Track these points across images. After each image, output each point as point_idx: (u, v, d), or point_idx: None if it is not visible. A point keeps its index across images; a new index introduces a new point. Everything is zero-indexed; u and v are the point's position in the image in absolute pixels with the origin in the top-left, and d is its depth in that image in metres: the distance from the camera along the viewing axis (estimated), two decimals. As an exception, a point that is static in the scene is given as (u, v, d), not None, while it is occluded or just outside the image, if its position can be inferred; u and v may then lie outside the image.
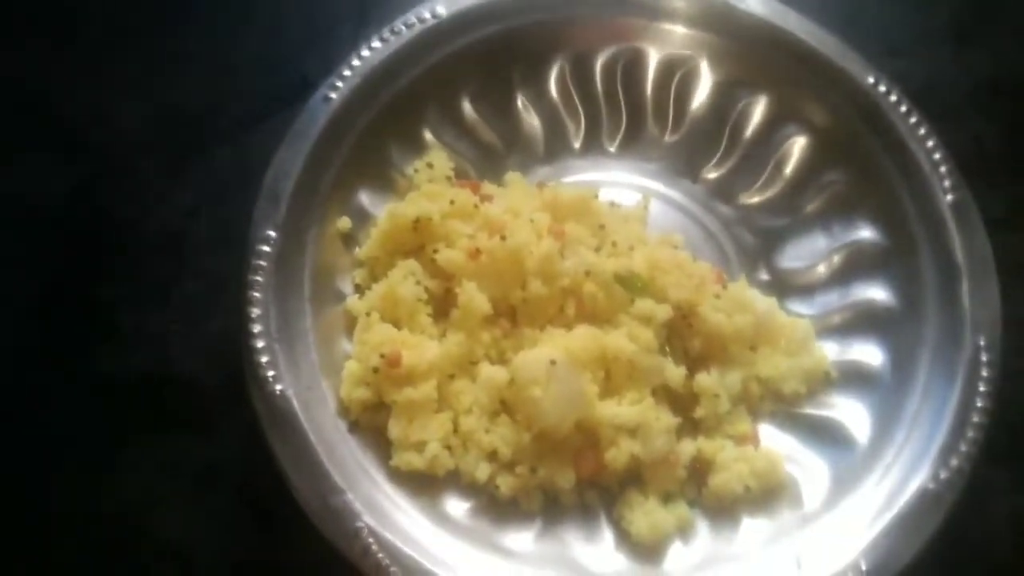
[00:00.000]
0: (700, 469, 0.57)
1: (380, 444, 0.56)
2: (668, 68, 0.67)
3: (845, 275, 0.63)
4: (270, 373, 0.55)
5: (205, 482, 0.60)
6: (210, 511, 0.59)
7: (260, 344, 0.56)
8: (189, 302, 0.65)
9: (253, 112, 0.72)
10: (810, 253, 0.64)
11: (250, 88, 0.73)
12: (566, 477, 0.55)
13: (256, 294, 0.57)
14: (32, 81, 0.73)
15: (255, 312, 0.57)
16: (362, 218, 0.63)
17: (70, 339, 0.65)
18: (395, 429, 0.55)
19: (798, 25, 0.65)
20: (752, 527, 0.56)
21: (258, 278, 0.58)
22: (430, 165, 0.64)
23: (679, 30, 0.66)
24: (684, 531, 0.56)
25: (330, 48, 0.73)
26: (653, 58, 0.67)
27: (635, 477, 0.56)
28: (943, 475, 0.54)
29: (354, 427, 0.56)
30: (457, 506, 0.56)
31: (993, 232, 0.61)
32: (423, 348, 0.56)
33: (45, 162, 0.70)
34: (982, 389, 0.56)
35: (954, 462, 0.54)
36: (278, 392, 0.55)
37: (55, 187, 0.69)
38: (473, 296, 0.57)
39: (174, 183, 0.69)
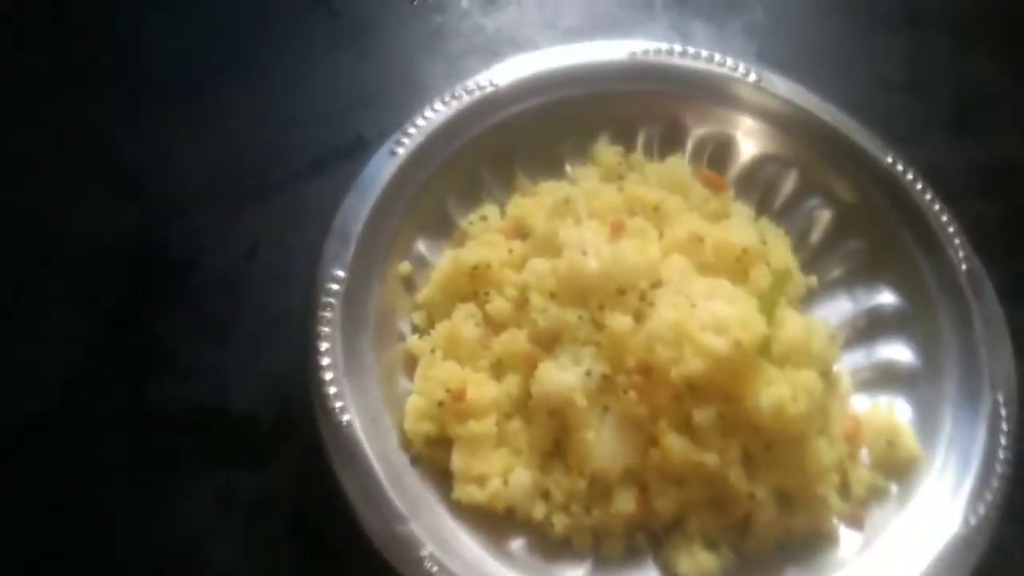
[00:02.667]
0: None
1: (440, 478, 0.58)
2: (704, 142, 0.72)
3: (869, 336, 0.67)
4: (337, 404, 0.57)
5: (259, 513, 0.61)
6: (264, 541, 0.60)
7: (328, 376, 0.58)
8: (245, 339, 0.67)
9: (309, 164, 0.76)
10: (836, 315, 0.68)
11: (306, 142, 0.77)
12: (617, 520, 0.58)
13: (324, 328, 0.60)
14: (99, 126, 0.77)
15: (323, 346, 0.59)
16: (420, 264, 0.66)
17: (130, 372, 0.66)
18: (458, 461, 0.57)
19: (820, 107, 0.72)
20: (789, 570, 0.59)
21: (326, 314, 0.60)
22: (484, 218, 0.68)
23: (715, 108, 0.72)
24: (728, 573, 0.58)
25: (382, 110, 0.78)
26: (692, 132, 0.72)
27: (681, 522, 0.59)
28: (973, 521, 0.57)
29: (416, 460, 0.58)
30: (514, 540, 0.57)
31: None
32: (484, 386, 0.59)
33: (110, 204, 0.73)
34: (1004, 443, 0.60)
35: (982, 509, 0.58)
36: (345, 423, 0.57)
37: (118, 227, 0.72)
38: (520, 343, 0.60)
39: (232, 227, 0.72)
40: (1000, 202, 0.78)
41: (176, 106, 0.78)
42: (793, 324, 0.59)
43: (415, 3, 0.85)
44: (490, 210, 0.69)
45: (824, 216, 0.70)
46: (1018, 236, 0.77)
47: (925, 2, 0.90)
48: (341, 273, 0.62)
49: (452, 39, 0.83)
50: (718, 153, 0.72)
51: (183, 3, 0.84)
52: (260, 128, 0.77)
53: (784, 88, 0.72)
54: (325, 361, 0.58)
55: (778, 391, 0.55)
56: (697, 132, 0.72)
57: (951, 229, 0.67)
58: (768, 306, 0.58)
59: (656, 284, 0.60)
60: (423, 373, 0.60)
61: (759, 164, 0.72)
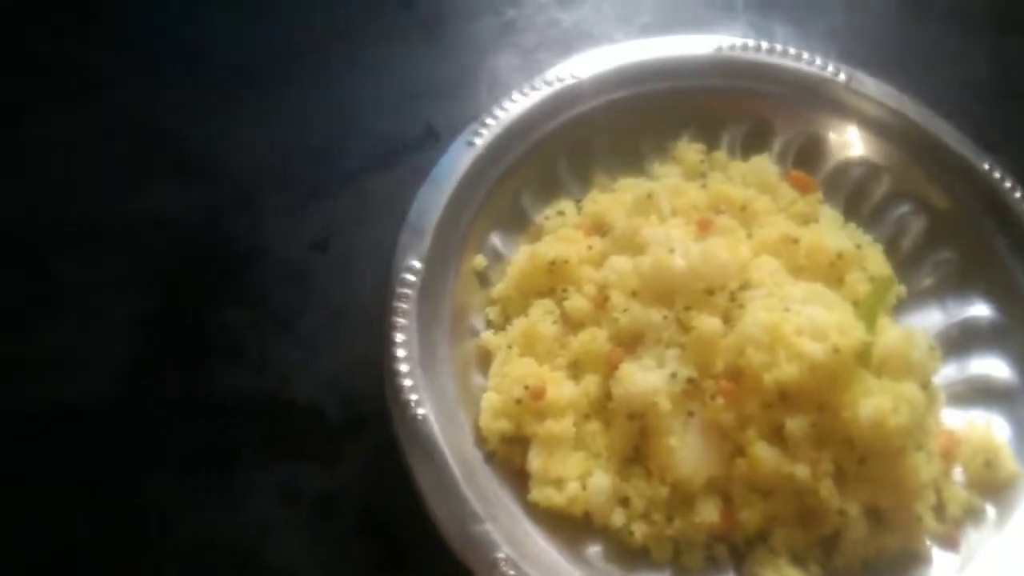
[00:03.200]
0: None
1: (515, 478, 0.56)
2: (790, 143, 0.70)
3: (962, 349, 0.64)
4: (412, 397, 0.55)
5: (326, 509, 0.59)
6: (331, 538, 0.58)
7: (403, 368, 0.56)
8: (313, 332, 0.66)
9: (379, 155, 0.74)
10: (927, 327, 0.65)
11: (377, 132, 0.75)
12: (699, 531, 0.55)
13: (401, 320, 0.58)
14: (165, 111, 0.76)
15: (399, 337, 0.57)
16: (495, 258, 0.64)
17: (193, 360, 0.65)
18: (535, 462, 0.55)
19: (914, 109, 0.69)
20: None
21: (403, 305, 0.58)
22: (561, 213, 0.66)
23: (804, 108, 0.70)
24: (814, 592, 0.55)
25: (454, 103, 0.77)
26: (778, 133, 0.70)
27: (765, 535, 0.56)
28: (1078, 548, 0.54)
29: (490, 458, 0.56)
30: (591, 546, 0.55)
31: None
32: (563, 385, 0.57)
33: (177, 190, 0.72)
34: (1112, 465, 0.57)
35: (1085, 536, 0.55)
36: (420, 416, 0.54)
37: (186, 214, 0.70)
38: (600, 343, 0.58)
39: (300, 217, 0.71)
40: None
41: (242, 93, 0.77)
42: (892, 333, 0.56)
43: (490, -6, 0.83)
44: (567, 205, 0.67)
45: (915, 223, 0.67)
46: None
47: (1013, 6, 0.87)
48: (417, 264, 0.60)
49: (526, 32, 0.81)
50: (805, 154, 0.69)
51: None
52: (329, 117, 0.76)
53: (875, 89, 0.69)
54: (401, 353, 0.56)
55: (878, 402, 0.52)
56: (784, 132, 0.70)
57: (1050, 240, 0.64)
58: (869, 313, 0.55)
59: (746, 285, 0.57)
60: (500, 369, 0.58)
61: (848, 167, 0.69)
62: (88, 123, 0.75)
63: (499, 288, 0.63)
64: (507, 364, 0.58)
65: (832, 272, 0.60)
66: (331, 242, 0.70)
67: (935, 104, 0.77)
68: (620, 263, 0.60)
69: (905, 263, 0.67)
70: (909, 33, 0.85)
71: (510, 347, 0.58)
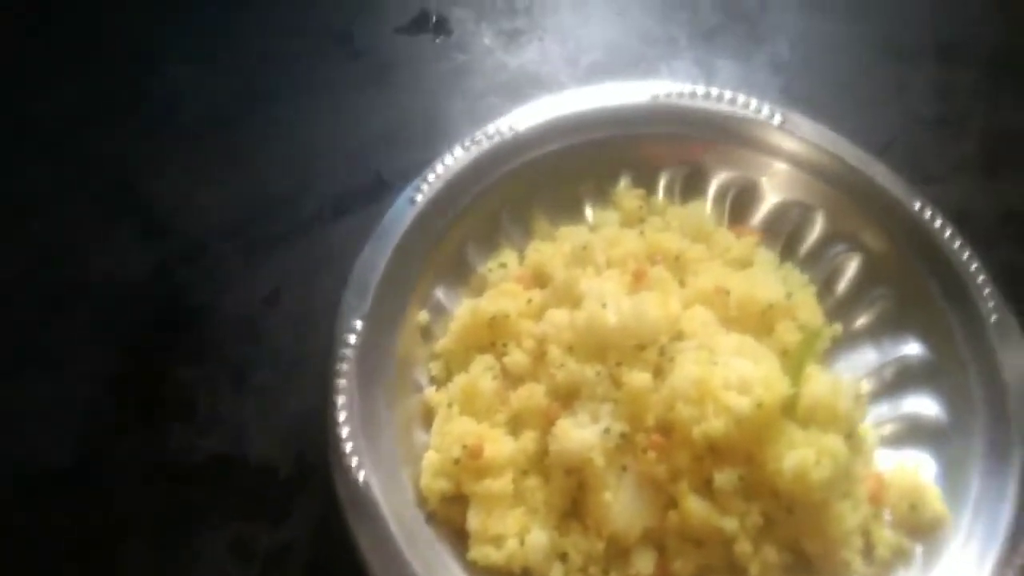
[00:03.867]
0: None
1: (455, 536, 0.57)
2: (727, 186, 0.71)
3: (895, 388, 0.65)
4: (354, 461, 0.57)
5: (276, 565, 0.61)
6: (280, 596, 0.60)
7: (344, 432, 0.58)
8: (264, 387, 0.68)
9: (331, 205, 0.76)
10: (861, 366, 0.67)
11: (328, 182, 0.77)
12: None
13: (342, 382, 0.59)
14: (120, 163, 0.77)
15: (340, 400, 0.59)
16: (438, 312, 0.66)
17: (144, 418, 0.66)
18: (474, 521, 0.56)
19: (847, 150, 0.71)
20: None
21: (344, 367, 0.60)
22: (503, 265, 0.67)
23: (739, 151, 0.71)
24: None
25: (403, 151, 0.78)
26: (715, 177, 0.71)
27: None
28: (1004, 582, 0.56)
29: (431, 518, 0.58)
30: (531, 601, 0.57)
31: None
32: (501, 442, 0.58)
33: (128, 242, 0.73)
34: (1034, 503, 0.59)
35: (1011, 573, 0.56)
36: (361, 481, 0.56)
37: (137, 267, 0.72)
38: (538, 399, 0.59)
39: (253, 269, 0.72)
40: (1033, 246, 0.76)
41: (197, 143, 0.78)
42: (819, 383, 0.57)
43: (437, 41, 0.85)
44: (509, 256, 0.68)
45: (851, 263, 0.69)
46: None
47: (954, 33, 0.88)
48: (359, 324, 0.61)
49: (474, 77, 0.83)
50: (741, 197, 0.71)
51: (206, 41, 0.84)
52: (281, 168, 0.77)
53: (810, 131, 0.71)
54: (342, 417, 0.58)
55: (802, 455, 0.53)
56: (720, 176, 0.71)
57: (981, 278, 0.65)
58: (795, 365, 0.56)
59: (678, 337, 0.59)
60: (440, 428, 0.60)
61: (784, 209, 0.70)
62: (46, 179, 0.76)
63: (442, 343, 0.64)
64: (447, 423, 0.60)
65: (763, 322, 0.62)
66: (282, 295, 0.71)
67: (878, 136, 0.79)
68: (558, 317, 0.61)
69: (841, 303, 0.68)
70: (853, 63, 0.86)
71: (450, 405, 0.60)
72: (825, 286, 0.69)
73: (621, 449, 0.56)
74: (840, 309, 0.68)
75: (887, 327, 0.67)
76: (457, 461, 0.57)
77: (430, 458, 0.58)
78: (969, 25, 0.88)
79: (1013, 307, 0.65)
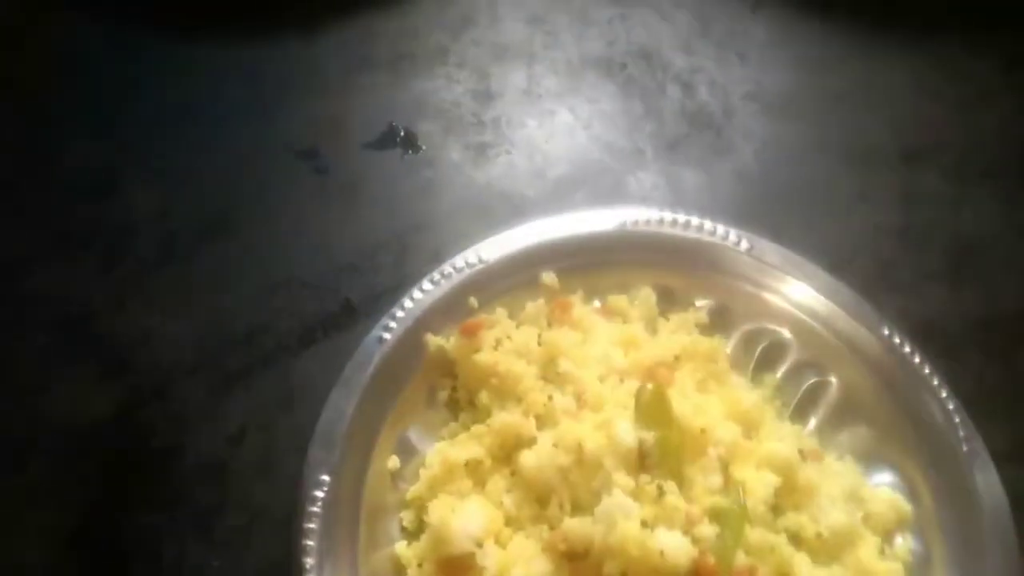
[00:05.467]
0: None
1: None
2: (698, 312, 0.71)
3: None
4: (324, 629, 0.55)
5: None
6: None
7: (313, 598, 0.56)
8: (231, 534, 0.66)
9: (297, 335, 0.74)
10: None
11: (294, 310, 0.75)
12: None
13: (309, 542, 0.58)
14: (77, 299, 0.75)
15: (308, 563, 0.57)
16: (409, 455, 0.65)
17: (108, 570, 0.64)
18: None
19: (815, 277, 0.71)
20: None
21: (311, 525, 0.59)
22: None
23: (708, 276, 0.71)
24: None
25: (371, 274, 0.77)
26: (685, 303, 0.71)
27: None
28: None
29: None
30: None
31: (1000, 467, 0.65)
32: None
33: (87, 383, 0.72)
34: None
35: None
36: (331, 650, 0.55)
37: (98, 410, 0.70)
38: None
39: (217, 407, 0.71)
40: (1001, 358, 0.77)
41: (156, 273, 0.77)
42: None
43: (405, 157, 0.84)
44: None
45: (824, 393, 0.69)
46: (1020, 395, 0.75)
47: (918, 137, 0.89)
48: (326, 479, 0.60)
49: (442, 195, 0.82)
50: (714, 321, 0.71)
51: (162, 163, 0.83)
52: (245, 296, 0.76)
53: (776, 256, 0.71)
54: (310, 578, 0.57)
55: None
56: (690, 301, 0.71)
57: (951, 406, 0.66)
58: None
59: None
60: (412, 590, 0.59)
61: (755, 335, 0.70)
62: (-1, 312, 0.75)
63: (413, 490, 0.63)
64: (419, 583, 0.58)
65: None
66: (248, 434, 0.70)
67: (844, 247, 0.80)
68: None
69: (816, 431, 0.68)
70: (818, 171, 0.86)
71: (420, 565, 0.59)
72: (800, 412, 0.69)
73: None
74: (815, 436, 0.68)
75: (862, 456, 0.67)
76: (431, 626, 0.56)
77: (402, 625, 0.57)
78: (929, 129, 0.89)
79: (984, 416, 0.66)
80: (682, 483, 0.57)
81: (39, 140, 0.84)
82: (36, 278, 0.76)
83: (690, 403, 0.60)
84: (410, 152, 0.85)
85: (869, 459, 0.66)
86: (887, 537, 0.63)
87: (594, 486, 0.57)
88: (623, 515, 0.54)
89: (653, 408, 0.58)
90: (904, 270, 0.81)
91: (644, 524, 0.54)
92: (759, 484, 0.58)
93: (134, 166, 0.83)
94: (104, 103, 0.87)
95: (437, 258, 0.73)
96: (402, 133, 0.86)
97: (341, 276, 0.77)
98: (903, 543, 0.63)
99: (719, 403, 0.62)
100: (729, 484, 0.58)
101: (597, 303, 0.71)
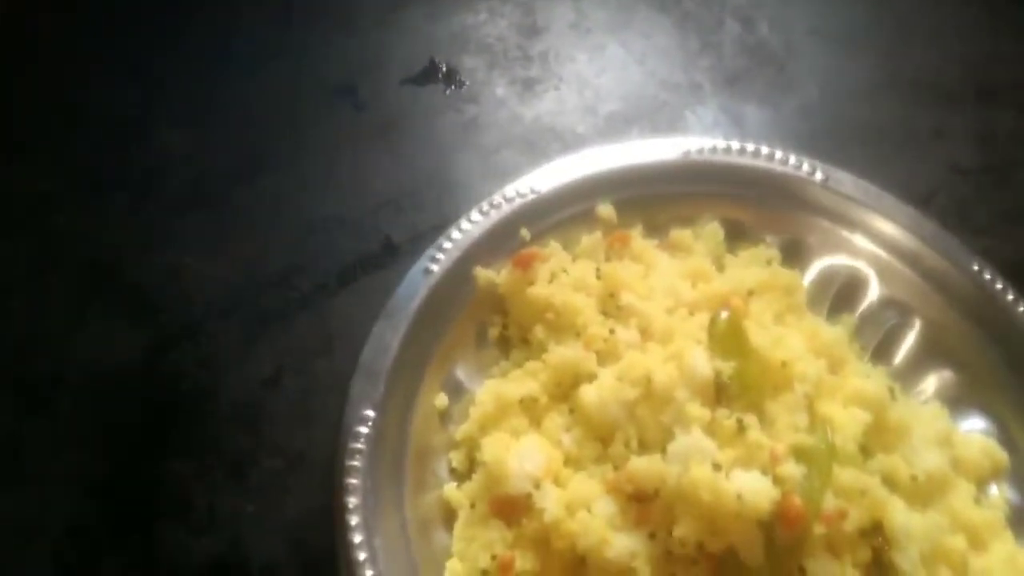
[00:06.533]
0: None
1: (484, 657, 0.51)
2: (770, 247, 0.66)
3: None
4: (368, 573, 0.51)
5: None
6: None
7: (356, 538, 0.52)
8: (265, 481, 0.61)
9: (335, 275, 0.70)
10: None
11: (332, 249, 0.71)
12: None
13: (352, 481, 0.54)
14: (106, 239, 0.71)
15: (351, 501, 0.53)
16: (458, 394, 0.60)
17: (138, 518, 0.60)
18: (506, 642, 0.50)
19: (895, 208, 0.65)
20: None
21: (354, 462, 0.54)
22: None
23: (782, 212, 0.66)
24: None
25: (413, 212, 0.73)
26: (756, 237, 0.66)
27: None
28: None
29: (456, 634, 0.52)
30: None
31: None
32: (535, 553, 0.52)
33: (117, 325, 0.67)
34: None
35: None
36: (377, 596, 0.50)
37: (126, 352, 0.66)
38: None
39: (251, 350, 0.66)
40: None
41: (188, 214, 0.72)
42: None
43: (447, 92, 0.79)
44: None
45: (906, 332, 0.63)
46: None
47: (993, 74, 0.83)
48: (371, 414, 0.56)
49: (487, 131, 0.77)
50: (786, 258, 0.65)
51: (195, 104, 0.79)
52: (280, 236, 0.71)
53: (853, 188, 0.66)
54: (353, 520, 0.52)
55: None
56: (761, 236, 0.66)
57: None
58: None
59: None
60: (463, 533, 0.54)
61: (832, 272, 0.65)
62: (25, 254, 0.70)
63: (463, 429, 0.58)
64: (471, 526, 0.53)
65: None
66: (284, 377, 0.65)
67: (917, 187, 0.74)
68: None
69: (897, 375, 0.62)
70: (888, 109, 0.81)
71: (473, 505, 0.54)
72: (880, 355, 0.63)
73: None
74: (897, 381, 0.62)
75: (948, 402, 0.61)
76: (485, 572, 0.51)
77: (453, 568, 0.52)
78: (1006, 66, 0.83)
79: None
80: (763, 419, 0.51)
81: (69, 81, 0.80)
82: (65, 216, 0.72)
83: (769, 335, 0.55)
84: (452, 88, 0.80)
85: (958, 404, 0.61)
86: (981, 485, 0.57)
87: (664, 421, 0.51)
88: (699, 455, 0.49)
89: (729, 338, 0.53)
90: (982, 209, 0.75)
91: (716, 467, 0.49)
92: (848, 422, 0.52)
93: (165, 107, 0.79)
94: (135, 44, 0.83)
95: (481, 197, 0.68)
96: (444, 68, 0.81)
97: (380, 214, 0.73)
98: (998, 493, 0.57)
99: (800, 336, 0.56)
100: (815, 422, 0.52)
101: (657, 241, 0.66)
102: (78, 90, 0.80)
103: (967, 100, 0.81)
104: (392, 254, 0.70)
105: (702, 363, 0.52)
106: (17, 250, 0.70)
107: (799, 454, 0.50)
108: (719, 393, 0.52)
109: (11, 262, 0.69)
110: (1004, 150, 0.79)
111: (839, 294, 0.65)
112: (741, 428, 0.50)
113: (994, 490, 0.58)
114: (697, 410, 0.51)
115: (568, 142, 0.77)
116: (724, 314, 0.54)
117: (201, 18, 0.85)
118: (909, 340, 0.63)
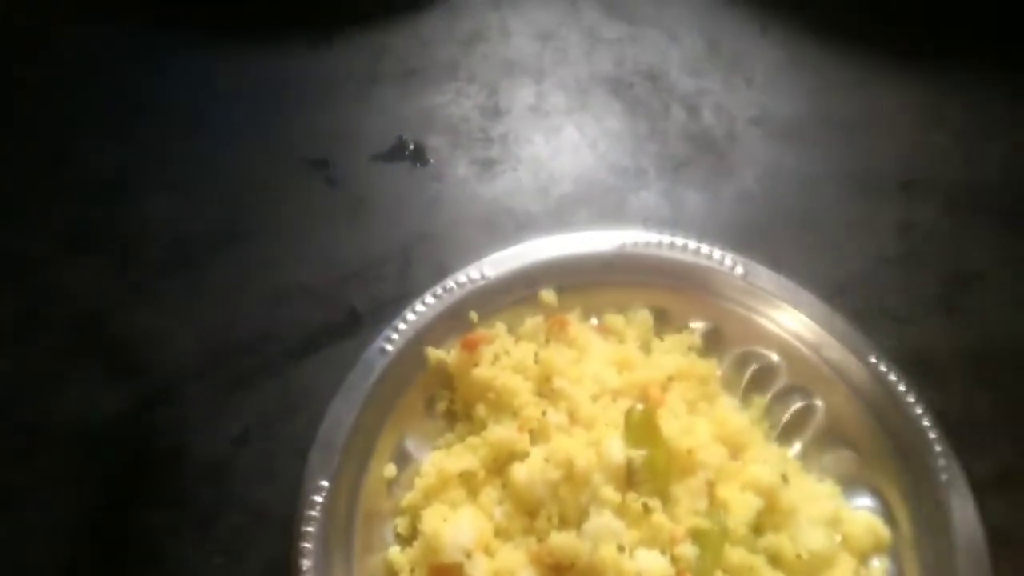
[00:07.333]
0: None
1: None
2: (691, 334, 0.73)
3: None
4: (319, 631, 0.58)
5: None
6: None
7: (309, 600, 0.59)
8: (232, 534, 0.68)
9: (302, 343, 0.76)
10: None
11: (299, 319, 0.77)
12: None
13: (307, 545, 0.60)
14: (88, 299, 0.78)
15: (306, 564, 0.60)
16: (406, 463, 0.67)
17: (111, 568, 0.66)
18: None
19: (808, 301, 0.73)
20: None
21: (310, 528, 0.61)
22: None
23: (703, 299, 0.73)
24: None
25: (377, 284, 0.79)
26: (678, 325, 0.73)
27: None
28: None
29: None
30: None
31: (980, 496, 0.66)
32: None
33: (95, 383, 0.74)
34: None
35: None
36: (324, 649, 0.57)
37: (104, 409, 0.73)
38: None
39: (222, 411, 0.73)
40: (989, 390, 0.78)
41: (167, 277, 0.79)
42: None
43: (414, 170, 0.86)
44: (477, 406, 0.69)
45: (811, 417, 0.70)
46: (1008, 424, 0.77)
47: (920, 166, 0.90)
48: (325, 484, 0.63)
49: (449, 208, 0.84)
50: (706, 344, 0.73)
51: (177, 169, 0.85)
52: (253, 302, 0.78)
53: (770, 283, 0.73)
54: (307, 583, 0.59)
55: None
56: (683, 323, 0.73)
57: (932, 435, 0.67)
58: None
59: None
60: (404, 596, 0.61)
61: (745, 358, 0.72)
62: (8, 312, 0.77)
63: (408, 498, 0.65)
64: (411, 590, 0.60)
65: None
66: (251, 437, 0.72)
67: (840, 274, 0.81)
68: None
69: (801, 453, 0.70)
70: (817, 198, 0.87)
71: (413, 571, 0.61)
72: (787, 434, 0.70)
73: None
74: (800, 459, 0.69)
75: (843, 479, 0.68)
76: (421, 634, 0.58)
77: (393, 631, 0.59)
78: (934, 160, 0.91)
79: (970, 445, 0.67)
80: (667, 502, 0.59)
81: (55, 143, 0.87)
82: (49, 277, 0.79)
83: (680, 424, 0.62)
84: (419, 165, 0.87)
85: (851, 483, 0.68)
86: (864, 559, 0.64)
87: (582, 501, 0.59)
88: (608, 535, 0.56)
89: (643, 428, 0.60)
90: (899, 299, 0.82)
91: (620, 549, 0.56)
92: (742, 506, 0.60)
93: (148, 172, 0.86)
94: (119, 110, 0.90)
95: (441, 270, 0.75)
96: (411, 146, 0.88)
97: (347, 285, 0.79)
98: (879, 566, 0.65)
99: (708, 424, 0.64)
100: (713, 505, 0.60)
101: (594, 321, 0.73)
102: (61, 150, 0.86)
103: (892, 191, 0.89)
104: (356, 324, 0.77)
105: (617, 450, 0.59)
106: (2, 308, 0.77)
107: (695, 535, 0.58)
108: (631, 477, 0.59)
109: (-2, 318, 0.76)
110: (922, 241, 0.86)
111: (753, 377, 0.72)
112: (647, 511, 0.58)
113: (875, 563, 0.65)
114: (610, 493, 0.58)
115: (522, 221, 0.84)
116: (640, 406, 0.62)
117: (181, 85, 0.92)
118: (813, 422, 0.70)
